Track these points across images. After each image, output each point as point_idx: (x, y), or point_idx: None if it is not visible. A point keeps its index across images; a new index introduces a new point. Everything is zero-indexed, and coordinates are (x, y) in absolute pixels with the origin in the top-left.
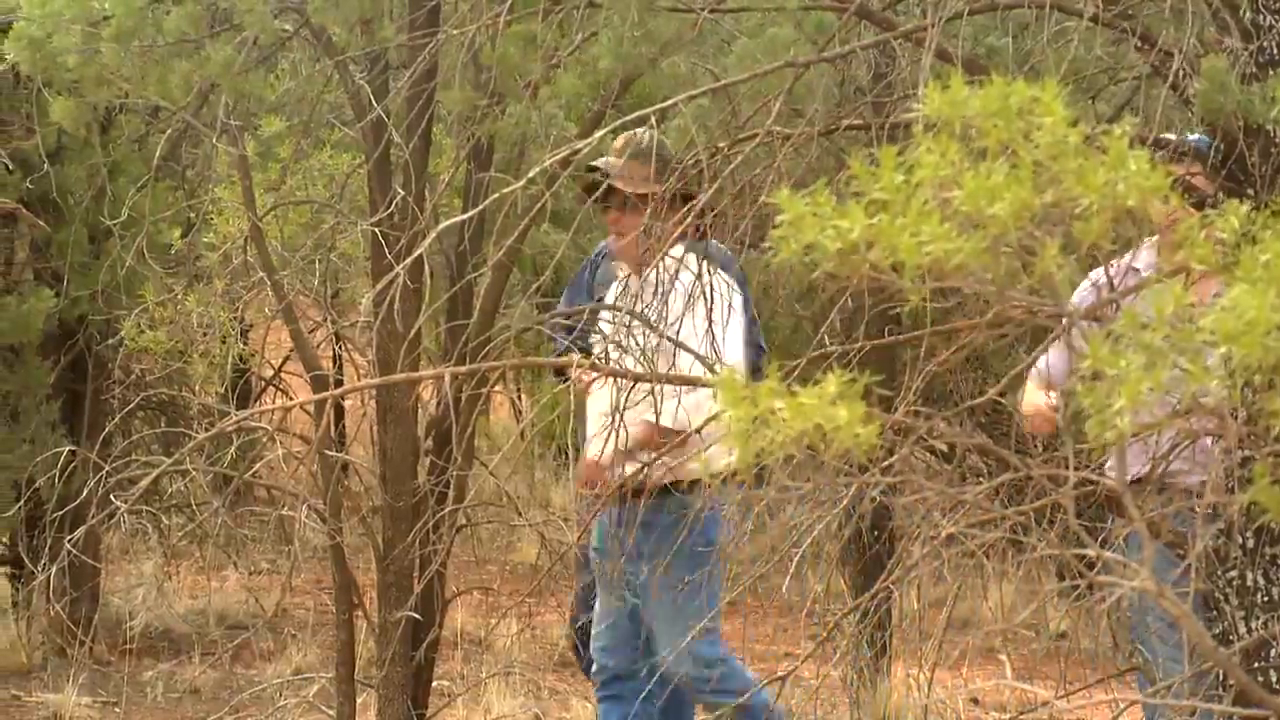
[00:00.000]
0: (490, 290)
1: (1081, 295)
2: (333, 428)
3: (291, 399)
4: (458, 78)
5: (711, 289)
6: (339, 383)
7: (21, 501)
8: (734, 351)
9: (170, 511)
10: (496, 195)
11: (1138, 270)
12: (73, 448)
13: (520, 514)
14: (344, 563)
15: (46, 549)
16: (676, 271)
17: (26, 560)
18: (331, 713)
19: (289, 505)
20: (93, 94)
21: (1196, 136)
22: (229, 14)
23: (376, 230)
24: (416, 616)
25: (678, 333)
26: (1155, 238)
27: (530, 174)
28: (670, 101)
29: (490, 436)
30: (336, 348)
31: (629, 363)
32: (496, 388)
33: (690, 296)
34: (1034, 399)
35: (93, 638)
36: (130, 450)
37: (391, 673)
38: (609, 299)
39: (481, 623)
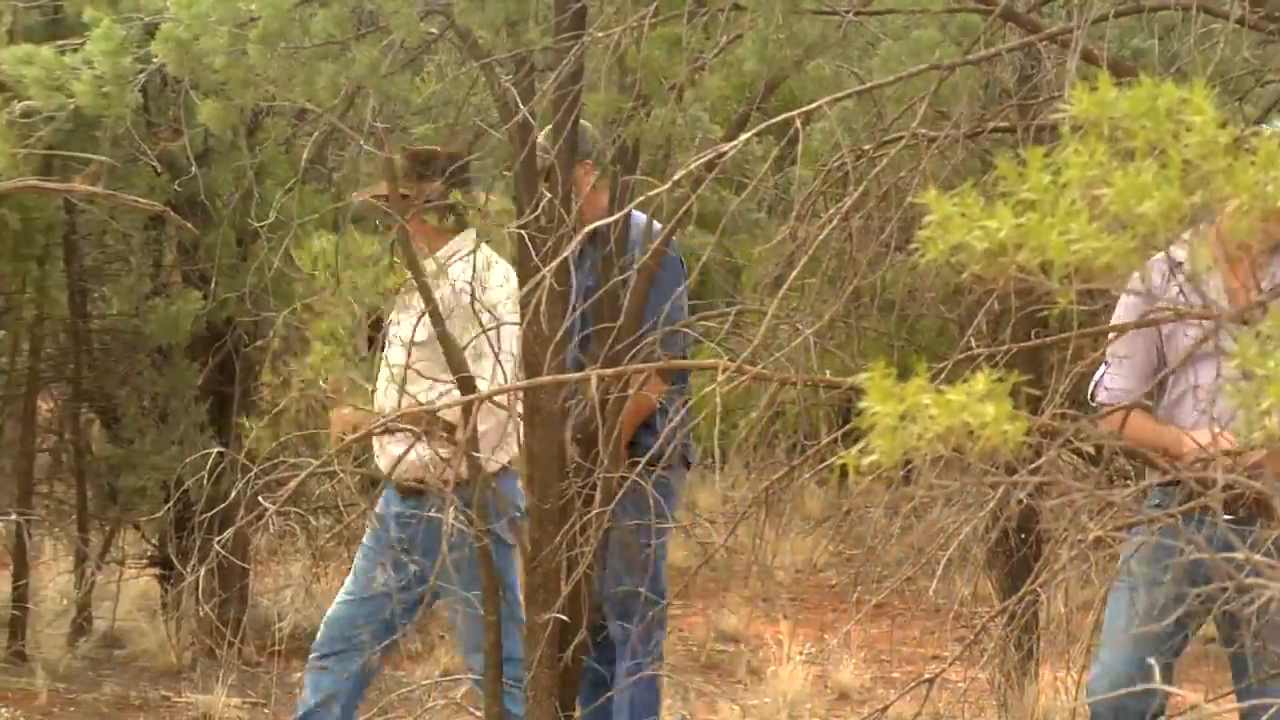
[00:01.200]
0: (635, 293)
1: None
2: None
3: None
4: (603, 80)
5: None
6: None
7: (170, 503)
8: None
9: (318, 513)
10: (642, 198)
11: (1180, 263)
12: (221, 449)
13: (670, 516)
14: (491, 565)
15: (195, 550)
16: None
17: (175, 561)
18: (479, 714)
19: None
20: (239, 96)
21: None
22: (375, 16)
23: (523, 233)
24: (564, 618)
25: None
26: (1202, 225)
27: (676, 176)
28: (815, 104)
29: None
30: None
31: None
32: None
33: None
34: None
35: (241, 639)
36: (279, 451)
37: (539, 674)
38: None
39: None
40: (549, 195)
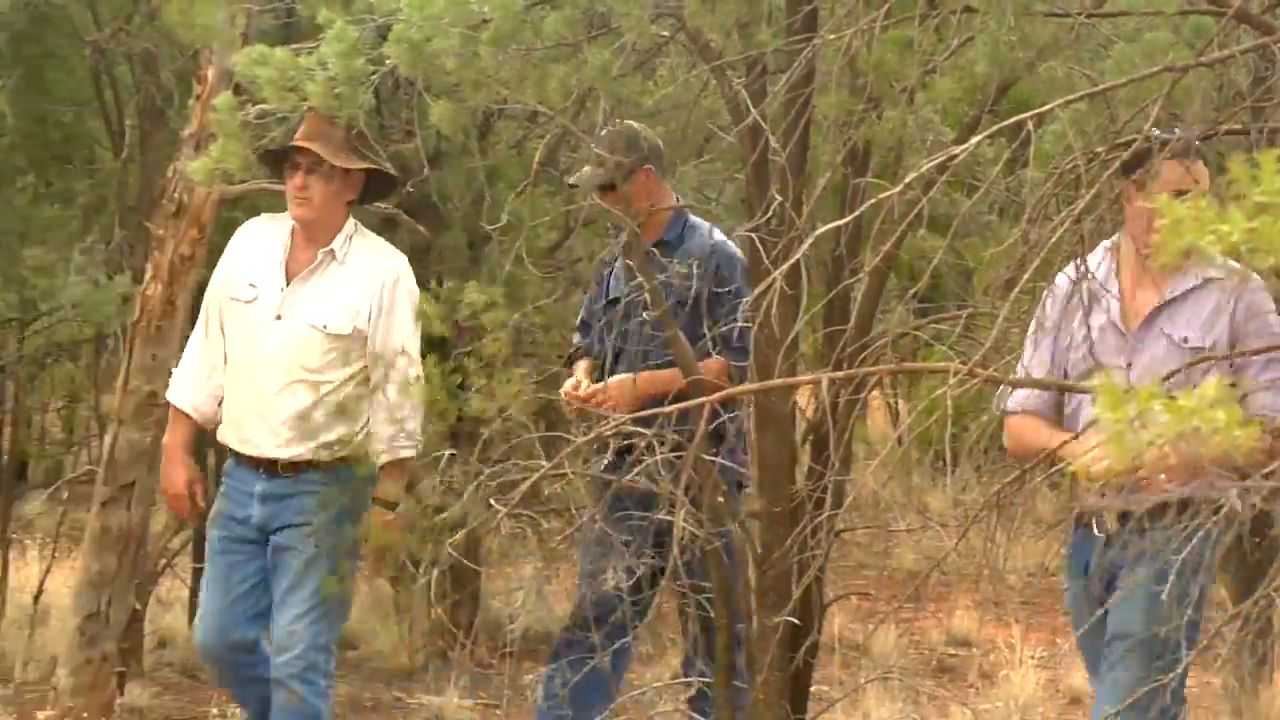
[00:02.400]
0: (867, 295)
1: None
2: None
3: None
4: (834, 82)
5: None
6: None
7: (404, 504)
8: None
9: (549, 515)
10: (873, 200)
11: (1088, 270)
12: (452, 451)
13: (899, 519)
14: (721, 567)
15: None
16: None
17: (408, 563)
18: (709, 718)
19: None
20: (471, 98)
21: None
22: (606, 18)
23: (753, 235)
24: (795, 621)
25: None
26: (1114, 238)
27: (907, 179)
28: (1047, 106)
29: (868, 442)
30: (713, 352)
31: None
32: (873, 393)
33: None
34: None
35: (474, 640)
36: (510, 454)
37: (770, 677)
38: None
39: (860, 628)
40: (779, 198)
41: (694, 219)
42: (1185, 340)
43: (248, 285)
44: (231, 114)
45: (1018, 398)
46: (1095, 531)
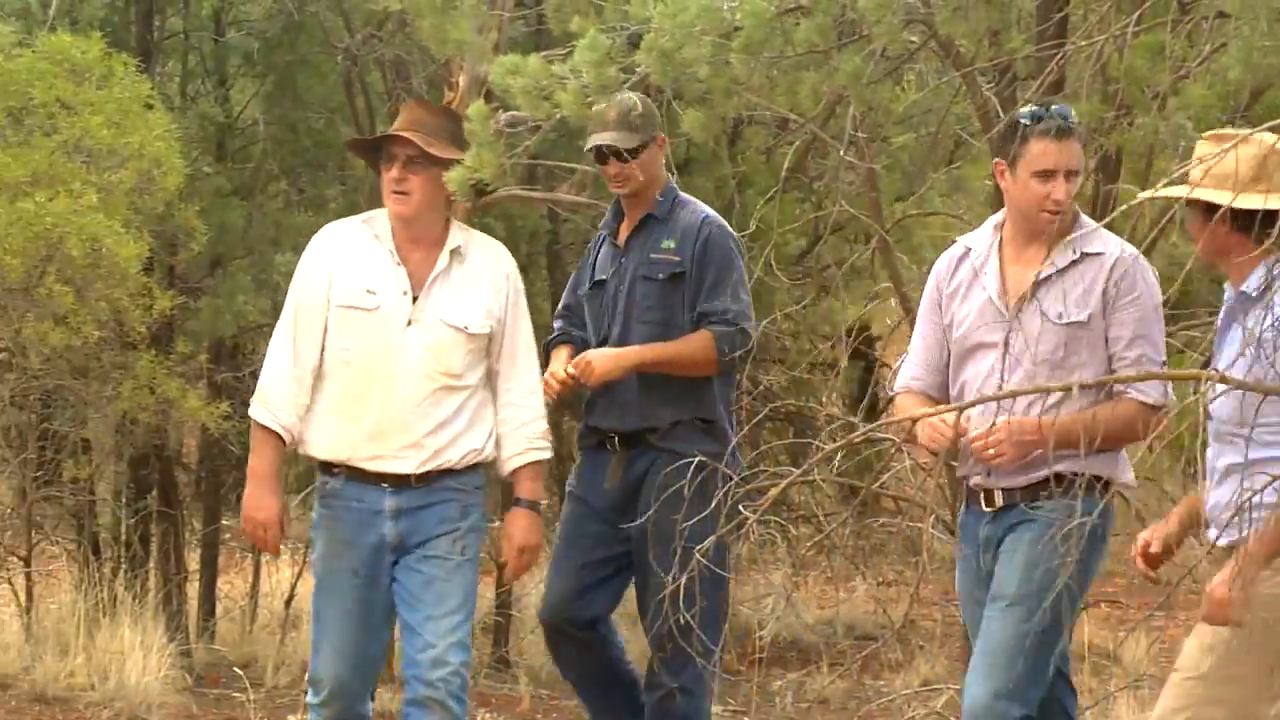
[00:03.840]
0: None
1: (938, 270)
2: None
3: None
4: (1085, 88)
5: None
6: None
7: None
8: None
9: (798, 522)
10: (1124, 206)
11: (969, 250)
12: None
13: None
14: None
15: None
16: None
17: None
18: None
19: (916, 516)
20: (722, 105)
21: None
22: (857, 25)
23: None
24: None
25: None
26: (999, 215)
27: (1159, 186)
28: None
29: None
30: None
31: None
32: None
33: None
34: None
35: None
36: (759, 461)
37: None
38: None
39: (1110, 636)
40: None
41: (683, 195)
42: (1060, 316)
43: (365, 292)
44: (484, 122)
45: (903, 377)
46: (983, 507)
